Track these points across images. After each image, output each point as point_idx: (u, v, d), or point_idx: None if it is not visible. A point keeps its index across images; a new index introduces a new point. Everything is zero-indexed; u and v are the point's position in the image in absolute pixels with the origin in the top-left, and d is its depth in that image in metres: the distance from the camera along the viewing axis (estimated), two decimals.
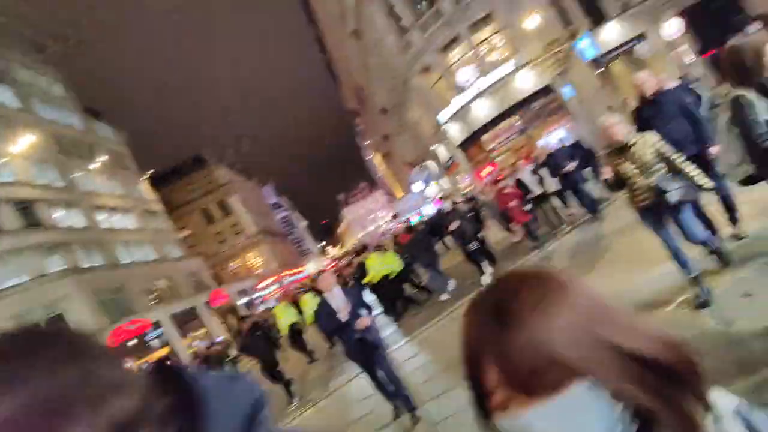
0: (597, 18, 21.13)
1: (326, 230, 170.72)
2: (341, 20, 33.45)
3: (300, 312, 11.33)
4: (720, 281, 3.70)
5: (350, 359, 4.84)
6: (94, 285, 25.78)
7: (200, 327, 30.82)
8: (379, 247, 10.51)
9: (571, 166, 7.51)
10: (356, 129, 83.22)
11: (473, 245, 8.24)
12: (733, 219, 4.36)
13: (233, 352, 12.71)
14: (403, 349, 7.06)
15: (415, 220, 33.66)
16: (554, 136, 20.25)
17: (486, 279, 7.99)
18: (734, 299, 3.38)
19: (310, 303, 10.31)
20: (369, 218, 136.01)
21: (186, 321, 30.15)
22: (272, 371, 8.41)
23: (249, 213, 54.85)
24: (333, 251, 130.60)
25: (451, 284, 8.81)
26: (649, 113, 4.19)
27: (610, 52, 21.07)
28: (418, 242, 9.98)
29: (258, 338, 9.06)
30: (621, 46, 21.10)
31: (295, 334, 11.26)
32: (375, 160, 78.09)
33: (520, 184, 8.89)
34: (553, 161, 7.93)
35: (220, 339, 28.24)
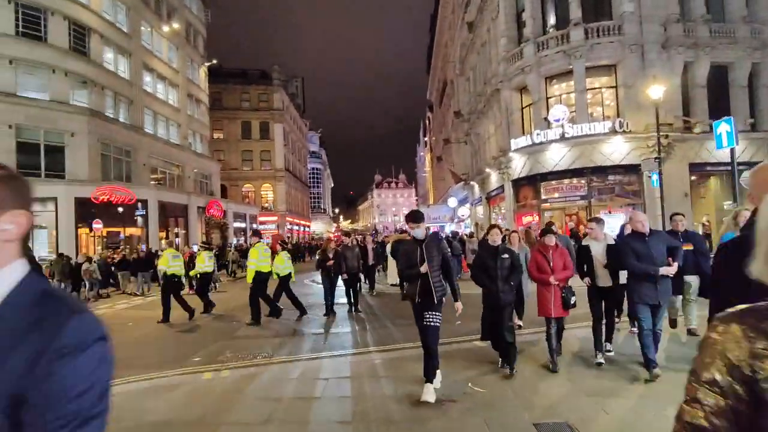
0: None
1: (349, 201, 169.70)
2: (462, 6, 31.52)
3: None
4: None
5: None
6: (106, 136, 24.84)
7: (184, 227, 29.72)
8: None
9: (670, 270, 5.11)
10: (424, 121, 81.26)
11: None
12: None
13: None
14: None
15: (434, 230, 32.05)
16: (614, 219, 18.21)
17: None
18: None
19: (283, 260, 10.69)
20: (392, 209, 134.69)
21: (175, 215, 29.11)
22: None
23: (285, 147, 53.71)
24: (344, 223, 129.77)
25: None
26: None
27: (716, 164, 18.89)
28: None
29: None
30: (726, 163, 18.85)
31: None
32: (426, 158, 76.19)
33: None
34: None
35: (194, 248, 27.14)
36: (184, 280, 12.36)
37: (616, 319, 6.58)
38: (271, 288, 10.41)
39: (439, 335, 4.91)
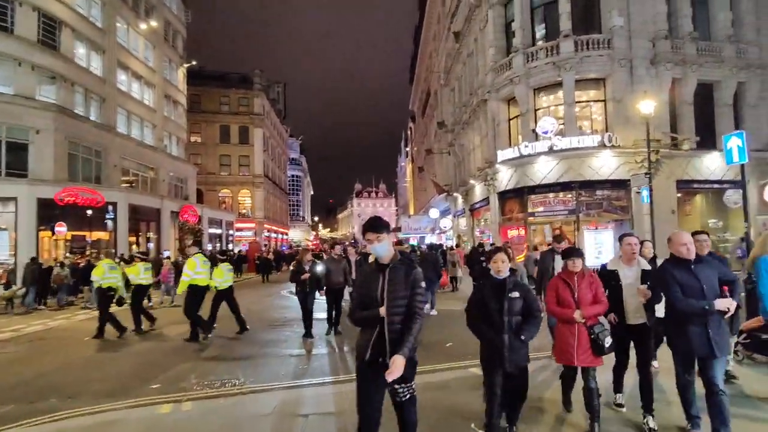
0: (708, 143, 18.93)
1: (329, 210, 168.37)
2: (448, 16, 31.29)
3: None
4: None
5: None
6: (74, 134, 23.53)
7: (156, 232, 28.37)
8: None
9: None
10: (406, 132, 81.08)
11: None
12: None
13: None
14: None
15: (414, 242, 31.45)
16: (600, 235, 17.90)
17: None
18: None
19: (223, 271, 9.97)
20: None
21: (146, 219, 27.77)
22: None
23: (265, 152, 52.59)
24: (323, 231, 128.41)
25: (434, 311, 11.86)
26: None
27: (702, 181, 18.85)
28: (428, 262, 12.05)
29: None
30: (712, 181, 18.86)
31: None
32: (407, 168, 75.92)
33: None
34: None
35: (166, 254, 25.88)
36: (125, 294, 11.13)
37: (654, 367, 5.37)
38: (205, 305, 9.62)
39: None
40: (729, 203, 18.71)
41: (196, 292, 9.41)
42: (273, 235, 58.40)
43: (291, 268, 9.59)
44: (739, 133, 7.19)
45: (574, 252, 4.49)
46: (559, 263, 6.43)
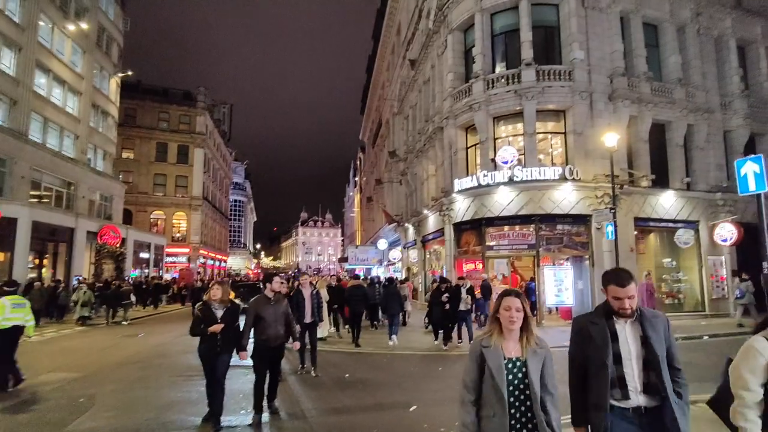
0: (662, 181, 18.83)
1: (272, 238, 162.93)
2: (404, 44, 30.75)
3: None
4: None
5: None
6: None
7: (67, 254, 24.82)
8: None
9: None
10: (355, 162, 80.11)
11: None
12: None
13: None
14: None
15: (361, 273, 29.71)
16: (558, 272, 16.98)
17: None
18: None
19: None
20: (317, 248, 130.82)
21: (55, 240, 24.23)
22: None
23: (206, 174, 49.44)
24: (265, 260, 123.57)
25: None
26: None
27: (658, 219, 18.56)
28: (392, 295, 13.22)
29: None
30: (667, 220, 18.65)
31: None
32: (355, 198, 74.55)
33: None
34: None
35: (75, 281, 22.48)
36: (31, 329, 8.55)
37: None
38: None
39: None
40: (680, 243, 18.51)
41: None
42: (210, 261, 54.55)
43: (195, 310, 6.02)
44: (757, 158, 6.18)
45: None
46: None
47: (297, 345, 7.36)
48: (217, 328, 5.66)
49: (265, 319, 6.22)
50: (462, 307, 11.99)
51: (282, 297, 6.75)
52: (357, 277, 16.85)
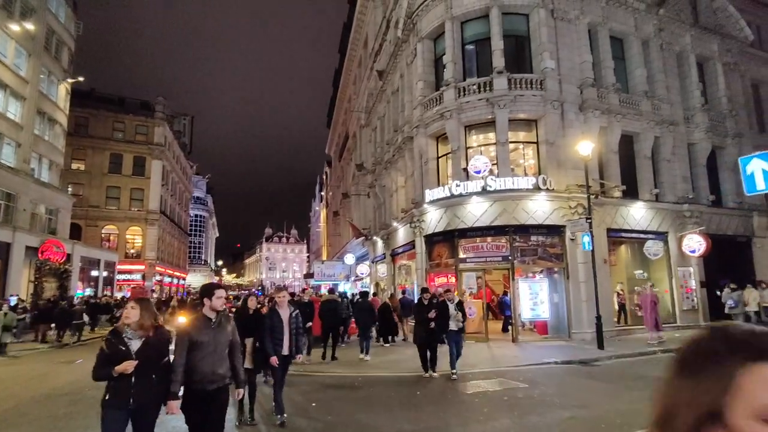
0: (632, 193, 18.78)
1: (235, 255, 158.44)
2: (372, 56, 30.27)
3: None
4: None
5: None
6: None
7: (2, 272, 22.61)
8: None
9: None
10: (321, 176, 78.92)
11: None
12: None
13: None
14: None
15: (324, 290, 28.52)
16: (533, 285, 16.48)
17: None
18: None
19: None
20: (282, 264, 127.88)
21: None
22: None
23: (164, 187, 47.18)
24: (228, 277, 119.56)
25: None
26: None
27: (630, 230, 18.43)
28: (365, 310, 13.48)
29: None
30: (638, 231, 18.55)
31: None
32: (321, 213, 73.22)
33: None
34: None
35: (13, 299, 20.36)
36: None
37: None
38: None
39: None
40: (649, 254, 18.44)
41: None
42: (167, 279, 51.85)
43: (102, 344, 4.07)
44: (764, 154, 5.68)
45: None
46: None
47: (240, 393, 4.87)
48: (127, 366, 3.79)
49: (200, 349, 4.26)
50: (453, 326, 10.18)
51: (227, 318, 4.66)
52: (332, 291, 15.83)
